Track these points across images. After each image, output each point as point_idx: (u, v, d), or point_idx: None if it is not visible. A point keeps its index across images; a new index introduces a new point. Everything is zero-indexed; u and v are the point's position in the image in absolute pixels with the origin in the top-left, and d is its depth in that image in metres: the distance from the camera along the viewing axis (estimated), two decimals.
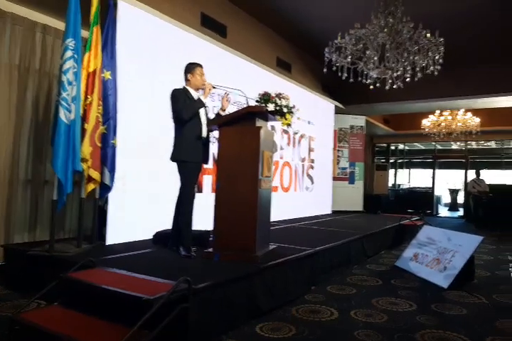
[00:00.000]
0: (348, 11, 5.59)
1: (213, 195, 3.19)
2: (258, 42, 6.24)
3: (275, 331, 2.48)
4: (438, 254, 4.10)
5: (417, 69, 4.94)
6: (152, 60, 4.13)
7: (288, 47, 7.10)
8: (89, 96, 3.35)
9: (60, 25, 4.00)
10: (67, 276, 2.47)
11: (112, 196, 3.62)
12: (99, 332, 2.05)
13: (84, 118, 3.29)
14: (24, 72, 3.85)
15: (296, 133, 7.09)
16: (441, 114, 10.35)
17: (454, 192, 14.66)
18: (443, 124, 10.41)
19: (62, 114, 3.05)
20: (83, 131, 3.25)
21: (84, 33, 3.44)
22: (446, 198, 15.27)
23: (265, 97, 3.18)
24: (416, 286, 3.69)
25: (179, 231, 3.27)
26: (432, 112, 10.32)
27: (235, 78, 5.08)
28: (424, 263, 4.13)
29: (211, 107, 4.98)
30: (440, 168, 13.34)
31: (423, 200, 12.15)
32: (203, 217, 3.52)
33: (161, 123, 3.96)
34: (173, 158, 3.26)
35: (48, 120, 3.96)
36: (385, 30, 4.78)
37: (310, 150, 7.61)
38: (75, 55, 3.16)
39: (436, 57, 4.79)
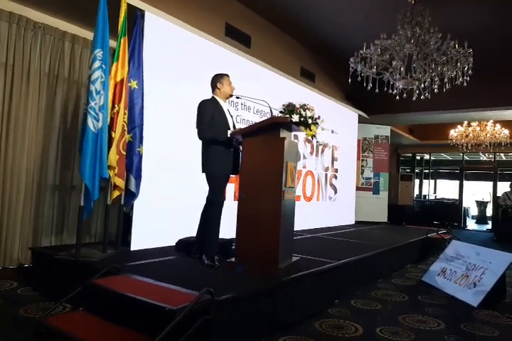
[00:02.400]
0: (373, 21, 5.54)
1: (235, 203, 3.17)
2: (282, 52, 6.26)
3: None
4: (467, 271, 3.95)
5: (445, 80, 4.85)
6: (177, 69, 4.19)
7: (312, 56, 7.09)
8: (116, 106, 3.41)
9: (88, 34, 4.12)
10: (92, 282, 2.49)
11: (136, 203, 3.67)
12: None
13: (111, 127, 3.35)
14: (53, 80, 3.97)
15: (321, 145, 7.04)
16: (469, 125, 10.11)
17: (481, 205, 14.21)
18: (471, 135, 10.15)
19: (90, 123, 3.11)
20: (110, 139, 3.31)
21: (112, 43, 3.52)
22: (474, 210, 14.81)
23: (290, 108, 3.15)
24: (444, 303, 3.56)
25: (203, 240, 3.27)
26: (460, 123, 10.09)
27: (259, 88, 5.09)
28: (452, 279, 3.99)
29: (234, 116, 5.00)
30: (467, 179, 12.97)
31: (450, 212, 11.80)
32: (225, 225, 3.50)
33: (186, 132, 3.99)
34: (203, 170, 3.27)
35: (76, 127, 4.06)
36: (412, 40, 4.72)
37: (333, 159, 7.53)
38: (103, 65, 3.24)
39: (465, 68, 4.70)
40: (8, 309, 2.77)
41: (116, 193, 3.45)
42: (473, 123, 10.03)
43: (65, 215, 4.02)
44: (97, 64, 3.19)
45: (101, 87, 3.20)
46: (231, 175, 3.42)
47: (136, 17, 3.74)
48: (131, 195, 3.59)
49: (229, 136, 3.18)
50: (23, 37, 3.68)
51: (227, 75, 3.43)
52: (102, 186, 3.29)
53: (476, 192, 14.83)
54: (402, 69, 4.87)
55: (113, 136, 3.34)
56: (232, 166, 3.31)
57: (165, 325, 1.93)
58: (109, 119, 3.32)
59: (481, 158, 13.61)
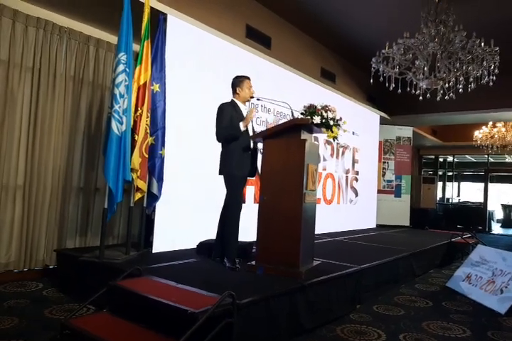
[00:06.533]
0: (396, 20, 5.45)
1: (255, 205, 3.17)
2: (302, 52, 6.23)
3: None
4: (493, 276, 3.84)
5: (471, 79, 4.72)
6: (199, 71, 4.21)
7: (332, 57, 7.03)
8: (139, 109, 3.45)
9: (111, 38, 4.20)
10: (115, 284, 2.52)
11: (158, 205, 3.70)
12: None
13: (134, 130, 3.39)
14: (78, 84, 4.06)
15: (343, 147, 6.97)
16: (494, 126, 9.83)
17: (507, 208, 13.80)
18: (496, 136, 9.88)
19: (114, 126, 3.15)
20: (133, 142, 3.34)
21: (135, 47, 3.57)
22: (499, 214, 14.39)
23: (311, 110, 3.13)
24: (469, 310, 3.46)
25: (223, 243, 3.27)
26: (485, 123, 9.83)
27: (279, 89, 5.08)
28: (478, 285, 3.88)
29: (254, 119, 4.99)
30: (492, 181, 12.61)
31: (474, 216, 11.49)
32: (245, 227, 3.50)
33: (207, 134, 4.00)
34: (220, 172, 3.29)
35: (100, 130, 4.14)
36: (436, 39, 4.62)
37: (354, 161, 7.44)
38: (127, 69, 3.27)
39: (492, 67, 4.57)
40: (34, 310, 2.84)
41: (138, 195, 3.49)
42: (499, 124, 9.76)
43: (89, 217, 4.10)
44: (121, 67, 3.23)
45: (125, 90, 3.24)
46: (248, 178, 3.41)
47: (158, 20, 3.78)
48: (153, 198, 3.62)
49: (243, 128, 3.17)
50: (49, 41, 3.78)
51: (247, 78, 3.42)
52: (125, 188, 3.34)
53: (502, 196, 14.41)
54: (425, 68, 4.77)
55: (136, 138, 3.37)
56: (249, 168, 3.30)
57: (187, 327, 1.94)
58: (132, 122, 3.37)
59: (507, 160, 13.23)
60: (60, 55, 3.87)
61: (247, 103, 3.59)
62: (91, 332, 2.14)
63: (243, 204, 3.41)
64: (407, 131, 8.88)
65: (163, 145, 3.66)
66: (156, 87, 3.67)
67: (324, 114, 3.08)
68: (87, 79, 4.12)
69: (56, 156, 3.84)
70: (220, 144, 3.30)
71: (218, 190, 3.40)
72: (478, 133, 10.11)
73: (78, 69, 4.05)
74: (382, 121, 8.55)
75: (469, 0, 4.89)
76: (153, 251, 3.65)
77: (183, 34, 4.06)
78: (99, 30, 4.20)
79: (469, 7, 4.99)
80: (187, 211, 3.97)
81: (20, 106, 3.62)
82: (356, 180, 7.51)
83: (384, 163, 8.67)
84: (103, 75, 4.24)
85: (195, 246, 3.81)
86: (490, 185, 12.19)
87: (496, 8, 5.11)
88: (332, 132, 3.16)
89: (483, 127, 9.96)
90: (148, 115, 3.52)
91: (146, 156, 3.49)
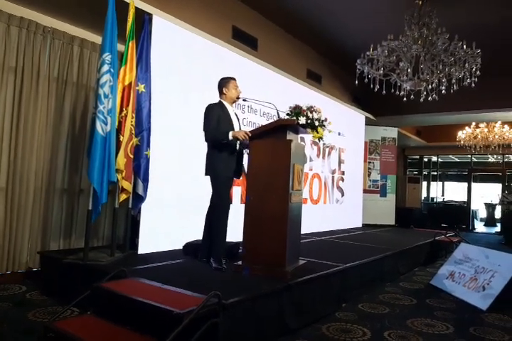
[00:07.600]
0: (380, 23, 5.53)
1: (242, 206, 3.17)
2: (288, 54, 6.26)
3: None
4: (475, 274, 3.92)
5: (453, 81, 4.81)
6: (184, 72, 4.20)
7: (318, 58, 7.08)
8: (124, 109, 3.43)
9: (96, 38, 4.16)
10: (100, 286, 2.50)
11: (144, 206, 3.68)
12: None
13: (119, 131, 3.37)
14: (62, 84, 4.01)
15: (328, 147, 7.03)
16: (477, 126, 10.03)
17: (490, 207, 14.07)
18: (479, 137, 10.07)
19: (99, 126, 3.12)
20: (118, 142, 3.33)
21: (120, 47, 3.55)
22: (482, 213, 14.67)
23: (296, 110, 3.15)
24: (453, 307, 3.52)
25: (210, 243, 3.27)
26: (468, 124, 10.01)
27: (266, 90, 5.10)
28: (461, 282, 3.95)
29: (241, 119, 5.00)
30: (475, 181, 12.85)
31: (458, 215, 11.70)
32: (232, 227, 3.50)
33: (193, 135, 4.01)
34: (206, 173, 3.29)
35: (84, 131, 4.10)
36: (419, 41, 4.70)
37: (340, 162, 7.51)
38: (111, 69, 3.25)
39: (473, 69, 4.66)
40: (17, 313, 2.79)
41: (123, 196, 3.46)
42: (481, 125, 9.96)
43: (73, 219, 4.05)
44: (105, 68, 3.21)
45: (109, 90, 3.22)
46: (234, 179, 3.42)
47: (144, 21, 3.76)
48: (138, 199, 3.60)
49: (230, 137, 3.15)
50: (32, 41, 3.72)
51: (233, 79, 3.43)
52: (109, 189, 3.31)
53: (485, 195, 14.68)
54: (409, 70, 4.84)
55: (121, 139, 3.35)
56: (235, 169, 3.31)
57: (173, 328, 1.94)
58: (117, 123, 3.34)
59: (489, 160, 13.50)
60: (43, 55, 3.82)
61: (234, 104, 3.59)
62: (75, 335, 2.12)
63: (230, 205, 3.41)
64: (392, 132, 9.01)
65: (148, 145, 3.64)
66: (142, 88, 3.65)
67: (309, 115, 3.11)
68: (71, 80, 4.07)
69: (39, 157, 3.78)
70: (206, 145, 3.30)
71: (204, 191, 3.39)
72: (461, 134, 10.29)
73: (62, 69, 4.00)
74: (368, 122, 8.65)
75: (452, 3, 4.99)
76: (139, 253, 3.63)
77: (169, 35, 4.05)
78: (83, 30, 4.15)
79: (452, 10, 5.09)
80: (173, 212, 3.96)
81: (3, 107, 3.56)
82: (342, 180, 7.57)
83: (369, 163, 8.77)
84: (87, 76, 4.20)
85: (182, 247, 3.80)
86: (473, 185, 12.42)
87: (478, 12, 5.22)
88: (317, 133, 3.19)
89: (466, 128, 10.15)
90: (134, 116, 3.50)
91: (132, 157, 3.47)
